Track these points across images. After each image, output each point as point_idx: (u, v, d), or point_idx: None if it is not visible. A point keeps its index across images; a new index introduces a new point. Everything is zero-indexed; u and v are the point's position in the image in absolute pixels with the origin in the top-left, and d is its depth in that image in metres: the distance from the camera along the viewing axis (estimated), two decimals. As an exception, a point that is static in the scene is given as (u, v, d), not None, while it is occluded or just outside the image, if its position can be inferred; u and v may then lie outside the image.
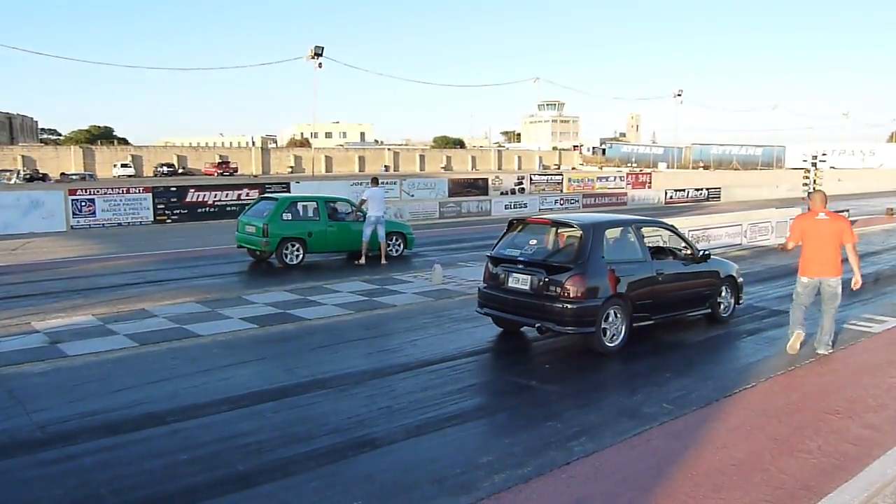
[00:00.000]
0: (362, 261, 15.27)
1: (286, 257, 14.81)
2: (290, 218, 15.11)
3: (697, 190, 42.63)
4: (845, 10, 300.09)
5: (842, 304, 10.89)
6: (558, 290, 7.96)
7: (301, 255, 14.99)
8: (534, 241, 8.85)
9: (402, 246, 16.65)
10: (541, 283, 8.13)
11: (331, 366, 7.74)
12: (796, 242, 8.25)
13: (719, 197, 42.33)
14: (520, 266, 8.46)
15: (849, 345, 8.53)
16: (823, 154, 27.72)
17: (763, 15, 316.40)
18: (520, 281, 8.36)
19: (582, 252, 8.14)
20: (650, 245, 9.23)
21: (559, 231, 8.90)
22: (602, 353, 8.09)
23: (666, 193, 40.49)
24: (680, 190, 41.90)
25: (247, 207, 16.97)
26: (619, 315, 8.23)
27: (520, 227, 9.24)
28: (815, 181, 25.79)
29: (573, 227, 8.62)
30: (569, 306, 7.89)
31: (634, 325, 8.42)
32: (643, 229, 9.17)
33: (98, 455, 5.34)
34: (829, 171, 55.64)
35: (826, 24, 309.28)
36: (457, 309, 10.63)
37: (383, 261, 15.50)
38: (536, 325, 8.20)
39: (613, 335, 8.21)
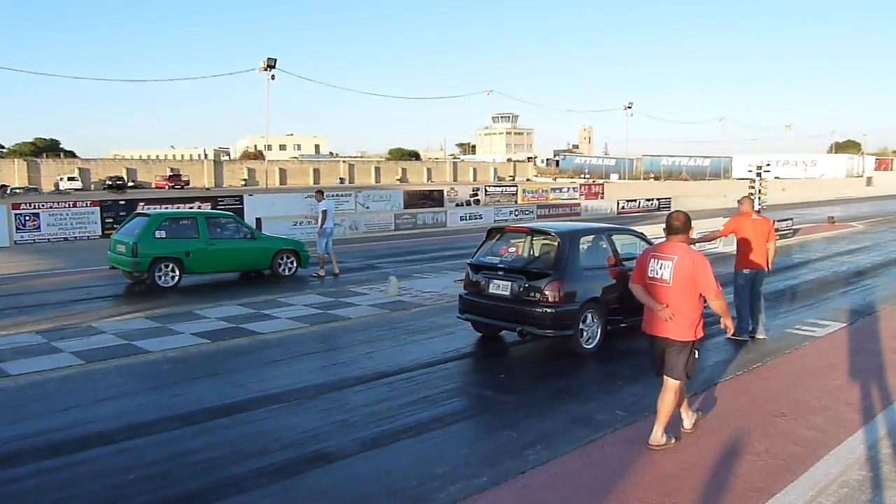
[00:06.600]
0: (321, 272, 15.32)
1: (160, 279, 13.67)
2: (164, 236, 13.88)
3: (648, 200, 43.51)
4: (787, 27, 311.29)
5: (787, 308, 11.27)
6: (538, 295, 8.24)
7: (177, 277, 13.83)
8: (513, 249, 9.16)
9: (294, 264, 15.47)
10: (521, 288, 8.39)
11: (285, 380, 7.64)
12: (726, 235, 9.81)
13: (670, 207, 43.07)
14: (500, 273, 8.73)
15: (794, 349, 8.78)
16: (768, 164, 28.53)
17: (709, 30, 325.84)
18: (500, 287, 8.61)
19: (560, 259, 8.45)
20: (620, 251, 9.47)
21: (537, 239, 9.17)
22: (580, 354, 8.37)
23: (618, 204, 41.20)
24: (631, 200, 42.70)
25: (120, 225, 15.80)
26: (595, 318, 8.52)
27: (498, 236, 9.48)
28: (760, 190, 26.56)
29: (551, 235, 8.91)
30: (548, 310, 8.16)
31: (609, 327, 8.71)
32: (614, 236, 9.45)
33: (41, 477, 5.17)
34: (774, 181, 57.33)
35: (769, 39, 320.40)
36: (412, 321, 10.61)
37: (333, 273, 15.50)
38: (517, 330, 8.43)
39: (590, 337, 8.50)
